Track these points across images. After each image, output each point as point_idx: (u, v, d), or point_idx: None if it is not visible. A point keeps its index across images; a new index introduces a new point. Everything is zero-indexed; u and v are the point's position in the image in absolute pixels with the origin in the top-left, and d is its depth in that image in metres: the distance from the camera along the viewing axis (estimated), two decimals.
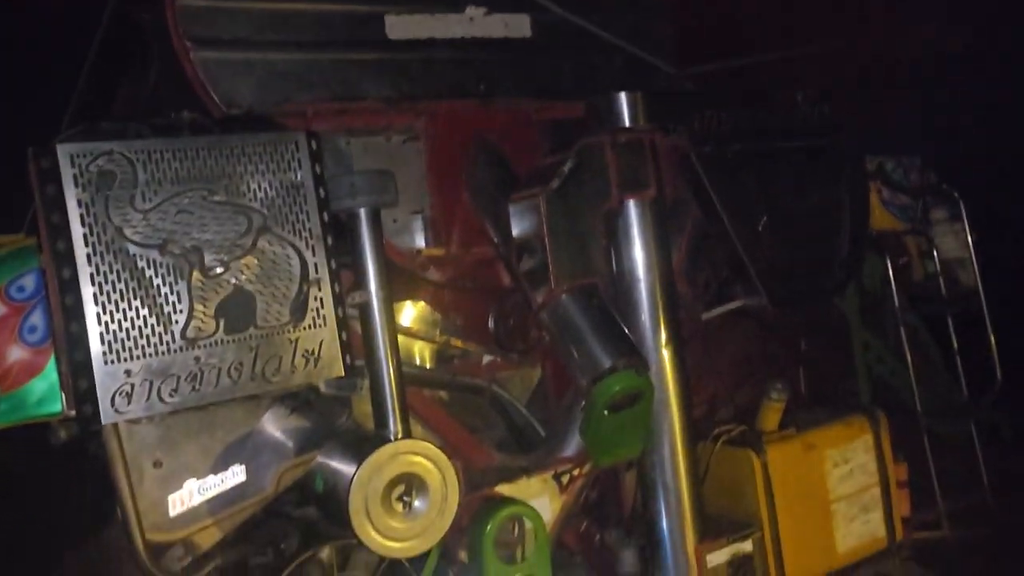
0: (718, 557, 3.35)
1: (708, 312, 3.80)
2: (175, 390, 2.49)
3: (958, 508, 4.16)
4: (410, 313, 3.51)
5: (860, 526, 3.77)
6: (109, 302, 2.41)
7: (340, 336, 2.77)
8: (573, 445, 3.34)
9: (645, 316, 3.37)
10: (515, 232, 3.41)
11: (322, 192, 2.79)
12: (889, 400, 4.20)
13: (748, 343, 4.20)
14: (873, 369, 4.33)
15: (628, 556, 3.59)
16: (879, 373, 4.35)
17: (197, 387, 2.53)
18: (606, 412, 3.13)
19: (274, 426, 2.99)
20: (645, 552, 3.57)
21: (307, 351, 2.71)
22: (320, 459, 2.91)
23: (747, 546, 3.42)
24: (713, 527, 3.42)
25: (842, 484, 3.73)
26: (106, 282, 2.41)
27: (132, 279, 2.45)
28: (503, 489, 3.19)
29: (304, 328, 2.74)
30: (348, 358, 2.80)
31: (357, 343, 2.88)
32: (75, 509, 3.62)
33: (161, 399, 2.48)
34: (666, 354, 3.36)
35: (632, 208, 3.34)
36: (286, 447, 2.99)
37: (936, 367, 4.52)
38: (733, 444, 3.60)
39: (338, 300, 2.78)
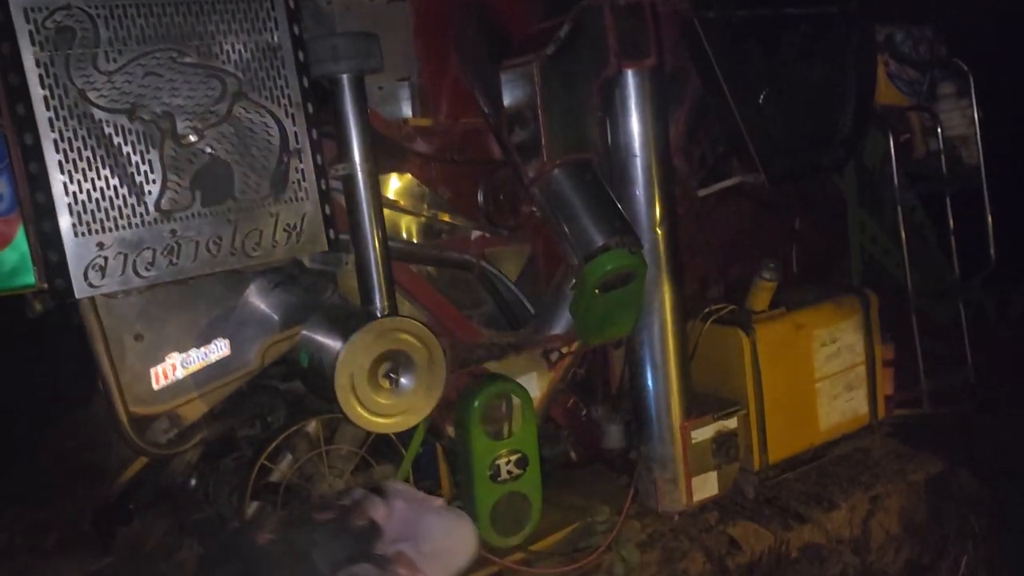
0: (703, 433, 3.39)
1: (704, 189, 3.70)
2: (151, 264, 2.40)
3: (941, 387, 4.21)
4: (396, 186, 3.39)
5: (843, 404, 3.82)
6: (76, 171, 2.27)
7: (323, 209, 2.66)
8: (562, 323, 3.31)
9: (640, 193, 3.27)
10: (506, 102, 3.25)
11: (301, 56, 2.61)
12: (880, 280, 4.17)
13: (742, 221, 4.12)
14: (866, 249, 4.27)
15: (614, 431, 3.64)
16: (872, 253, 4.29)
17: (174, 261, 2.43)
18: (597, 291, 3.08)
19: (258, 300, 2.93)
20: (631, 428, 3.62)
21: (289, 225, 2.61)
22: (305, 334, 2.86)
23: (732, 423, 3.46)
24: (699, 404, 3.45)
25: (828, 363, 3.75)
26: (71, 149, 2.27)
27: (100, 146, 2.31)
28: (491, 366, 3.18)
29: (285, 201, 2.62)
30: (332, 232, 2.70)
31: (341, 217, 2.78)
32: (60, 381, 3.61)
33: (137, 273, 2.38)
34: (660, 232, 3.29)
35: (630, 78, 3.17)
36: (270, 321, 2.95)
37: (930, 247, 4.47)
38: (723, 323, 3.58)
39: (320, 172, 2.65)
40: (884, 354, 3.94)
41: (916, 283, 4.20)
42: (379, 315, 2.73)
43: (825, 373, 3.74)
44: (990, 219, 4.30)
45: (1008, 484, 3.89)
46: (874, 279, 4.12)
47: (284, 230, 2.60)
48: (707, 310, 3.61)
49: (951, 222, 4.42)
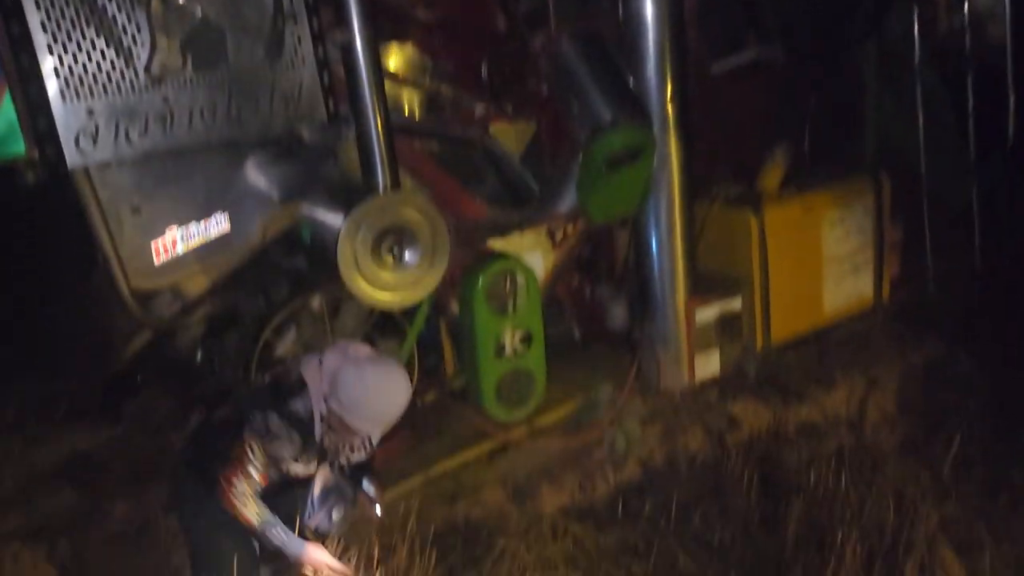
0: (707, 313, 3.39)
1: (718, 64, 3.55)
2: (144, 132, 2.32)
3: (947, 271, 4.18)
4: (397, 57, 3.25)
5: (849, 286, 3.79)
6: (60, 31, 2.16)
7: (321, 78, 2.56)
8: (567, 201, 3.24)
9: (651, 67, 3.14)
10: None
11: None
12: (894, 161, 4.06)
13: (756, 100, 3.97)
14: (883, 129, 4.13)
15: (618, 311, 3.64)
16: (888, 134, 4.15)
17: (168, 130, 2.36)
18: (604, 168, 3.00)
19: (256, 174, 2.85)
20: (634, 307, 3.61)
21: (286, 93, 2.51)
22: (306, 209, 2.81)
23: (736, 304, 3.45)
24: (704, 285, 3.43)
25: (837, 245, 3.70)
26: (54, 7, 2.15)
27: (83, 5, 2.18)
28: (495, 243, 3.14)
29: (281, 68, 2.51)
30: (331, 103, 2.61)
31: (341, 89, 2.67)
32: (59, 256, 3.58)
33: (130, 142, 2.31)
34: (671, 109, 3.17)
35: None
36: (270, 196, 2.87)
37: (947, 128, 4.33)
38: (731, 204, 3.51)
39: (318, 38, 2.53)
40: (892, 237, 3.89)
41: (930, 165, 4.09)
42: (381, 189, 2.67)
43: (832, 255, 3.70)
44: (1013, 100, 4.14)
45: (1005, 368, 3.92)
46: (888, 161, 4.00)
47: (281, 99, 2.51)
48: (715, 190, 3.53)
49: (971, 103, 4.26)
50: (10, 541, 2.74)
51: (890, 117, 4.14)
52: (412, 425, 3.24)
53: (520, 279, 3.01)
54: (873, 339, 4.01)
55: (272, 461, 2.24)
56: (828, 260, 3.70)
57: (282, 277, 3.09)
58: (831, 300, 3.76)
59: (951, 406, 3.72)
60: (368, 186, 2.70)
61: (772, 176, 3.54)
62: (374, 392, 2.19)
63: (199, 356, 3.23)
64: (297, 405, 2.25)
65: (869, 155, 3.93)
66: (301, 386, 2.27)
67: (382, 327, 3.13)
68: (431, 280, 2.70)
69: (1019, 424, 3.49)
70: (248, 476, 2.20)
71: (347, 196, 2.70)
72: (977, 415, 3.62)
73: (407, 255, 2.66)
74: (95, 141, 2.26)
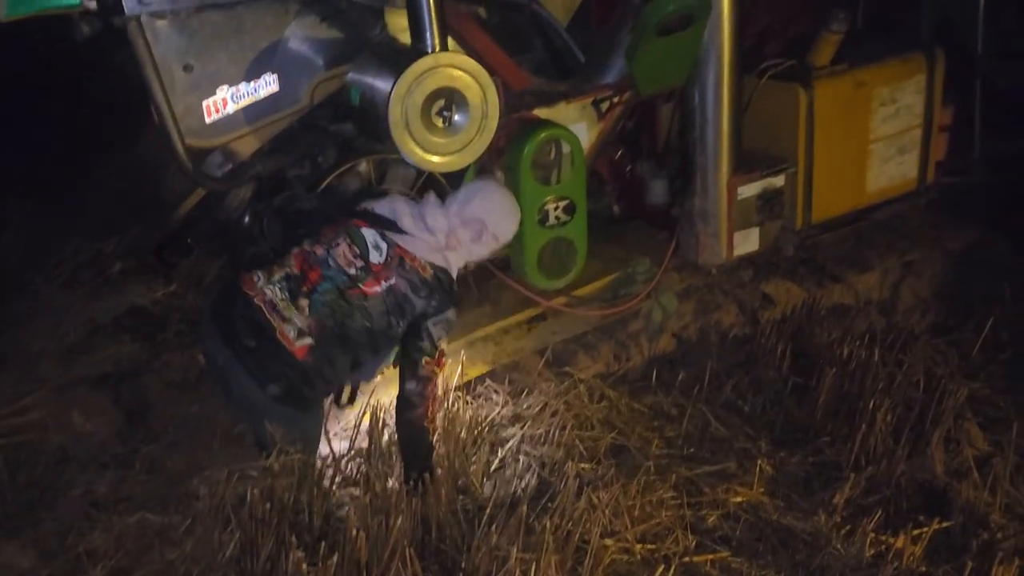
0: (749, 190, 3.39)
1: None
2: None
3: (994, 155, 4.10)
4: None
5: (894, 167, 3.75)
6: None
7: None
8: (615, 71, 3.20)
9: None
10: None
11: None
12: (950, 37, 3.92)
13: None
14: (940, 4, 3.96)
15: (658, 187, 3.64)
16: (946, 7, 3.99)
17: None
18: (656, 34, 2.94)
19: (304, 34, 2.85)
20: (675, 183, 3.61)
21: None
22: (355, 72, 2.80)
23: (779, 181, 3.44)
24: (747, 161, 3.41)
25: (885, 124, 3.64)
26: None
27: None
28: (541, 113, 3.12)
29: None
30: None
31: None
32: (107, 120, 3.61)
33: None
34: None
35: None
36: (318, 58, 2.88)
37: (1009, 5, 4.15)
38: (780, 78, 3.44)
39: None
40: (942, 119, 3.81)
41: (987, 43, 3.95)
42: (431, 51, 2.65)
43: (880, 134, 3.65)
44: None
45: None
46: (945, 36, 3.86)
47: None
48: (764, 64, 3.46)
49: None
50: (77, 388, 2.89)
51: None
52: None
53: (566, 148, 3.01)
54: (912, 223, 4.00)
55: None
56: (875, 139, 3.65)
57: (329, 141, 3.12)
58: (874, 181, 3.73)
59: (985, 292, 3.75)
60: (417, 48, 2.68)
61: (824, 51, 3.44)
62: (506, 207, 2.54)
63: (247, 219, 3.31)
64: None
65: (924, 32, 3.79)
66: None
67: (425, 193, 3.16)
68: (480, 144, 2.71)
69: None
70: None
71: (396, 58, 2.68)
72: (1010, 301, 3.65)
73: (457, 118, 2.66)
74: None
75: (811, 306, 3.60)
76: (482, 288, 3.36)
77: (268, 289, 2.35)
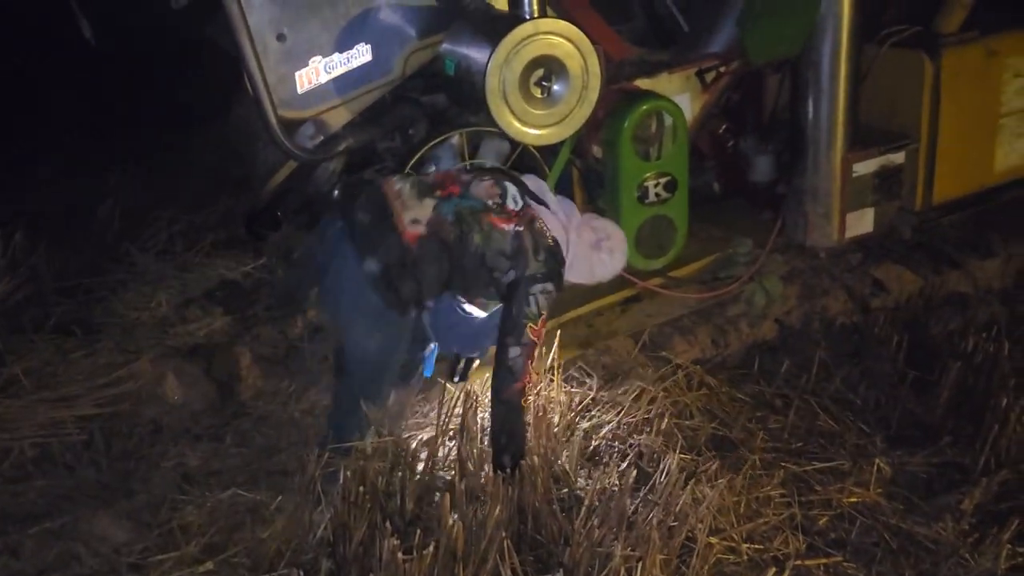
0: (866, 167, 3.15)
1: None
2: None
3: None
4: None
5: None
6: None
7: None
8: (721, 40, 3.01)
9: None
10: None
11: None
12: None
13: None
14: None
15: (763, 163, 3.43)
16: None
17: None
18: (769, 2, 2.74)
19: (397, 3, 2.74)
20: (781, 159, 3.40)
21: None
22: (449, 41, 2.69)
23: (899, 158, 3.19)
24: (864, 135, 3.17)
25: (1018, 97, 3.34)
26: None
27: None
28: (642, 84, 2.96)
29: None
30: None
31: None
32: (199, 91, 3.62)
33: None
34: None
35: None
36: (411, 28, 2.78)
37: None
38: (903, 46, 3.18)
39: None
40: None
41: None
42: (529, 19, 2.52)
43: (1012, 108, 3.36)
44: None
45: None
46: None
47: None
48: (886, 31, 3.20)
49: None
50: (172, 357, 2.90)
51: None
52: None
53: (668, 121, 2.85)
54: None
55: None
56: (1007, 113, 3.35)
57: (420, 114, 3.03)
58: (1004, 159, 3.44)
59: None
60: (514, 15, 2.56)
61: (953, 16, 3.17)
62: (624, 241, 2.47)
63: (336, 193, 3.26)
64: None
65: None
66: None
67: (519, 167, 3.04)
68: (580, 115, 2.57)
69: None
70: None
71: (493, 25, 2.56)
72: None
73: (557, 87, 2.53)
74: None
75: (928, 294, 3.35)
76: None
77: (400, 184, 2.36)
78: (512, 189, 2.38)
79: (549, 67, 2.52)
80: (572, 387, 2.79)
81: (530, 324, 2.28)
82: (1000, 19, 3.32)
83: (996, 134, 3.38)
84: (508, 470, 2.27)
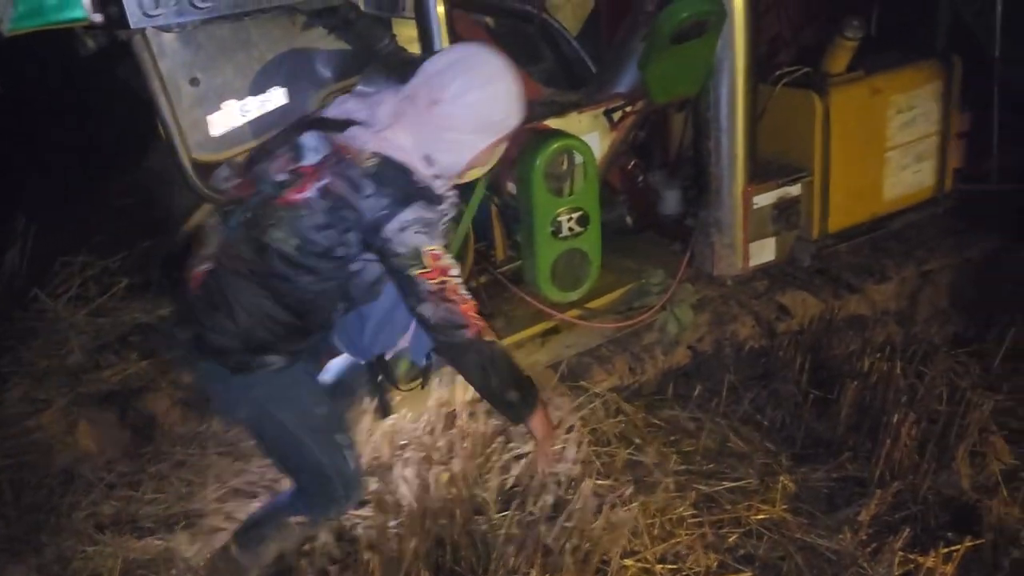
0: (765, 199, 3.33)
1: None
2: None
3: (1012, 162, 4.04)
4: None
5: (911, 175, 3.69)
6: None
7: None
8: (626, 80, 3.15)
9: None
10: None
11: None
12: (966, 44, 3.87)
13: None
14: (956, 9, 3.91)
15: (671, 197, 3.59)
16: (962, 13, 3.94)
17: None
18: (670, 42, 2.89)
19: (312, 47, 2.81)
20: (688, 193, 3.56)
21: None
22: (363, 84, 2.76)
23: (795, 190, 3.38)
24: (763, 169, 3.36)
25: (902, 131, 3.58)
26: None
27: None
28: (552, 123, 3.07)
29: None
30: None
31: None
32: (118, 129, 3.58)
33: (193, 4, 2.26)
34: None
35: None
36: (326, 70, 2.84)
37: None
38: (795, 86, 3.38)
39: None
40: (959, 125, 3.75)
41: (1005, 48, 3.90)
42: None
43: (897, 142, 3.59)
44: None
45: None
46: (960, 42, 3.81)
47: None
48: (778, 72, 3.41)
49: None
50: (85, 405, 2.85)
51: None
52: None
53: (578, 158, 2.96)
54: (930, 232, 3.93)
55: None
56: (892, 147, 3.59)
57: None
58: (892, 189, 3.67)
59: (1005, 301, 3.67)
60: (426, 59, 2.64)
61: (840, 56, 3.39)
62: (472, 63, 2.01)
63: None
64: None
65: (940, 38, 3.74)
66: None
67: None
68: (491, 157, 2.65)
69: None
70: None
71: (404, 70, 2.63)
72: None
73: None
74: (158, 2, 2.21)
75: (829, 318, 3.54)
76: (494, 302, 3.31)
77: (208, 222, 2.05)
78: (311, 140, 1.94)
79: None
80: (492, 419, 2.84)
81: (417, 270, 1.86)
82: (883, 59, 3.57)
83: (884, 166, 3.60)
84: (528, 408, 2.06)
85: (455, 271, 1.92)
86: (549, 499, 2.38)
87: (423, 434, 2.68)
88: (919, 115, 3.59)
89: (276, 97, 2.78)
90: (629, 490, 2.48)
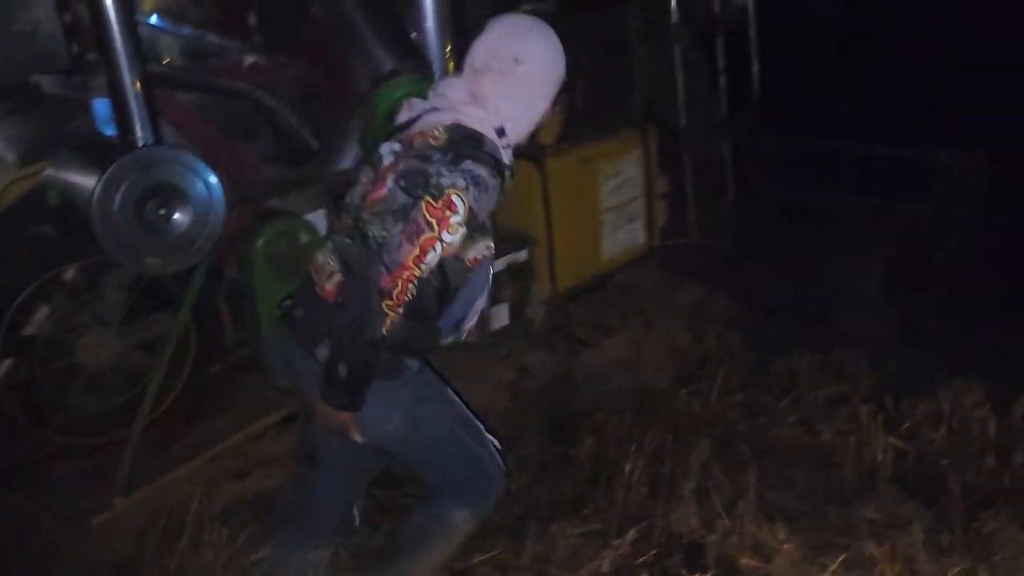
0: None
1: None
2: None
3: (707, 219, 4.52)
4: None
5: (624, 235, 4.01)
6: None
7: (61, 17, 2.26)
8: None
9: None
10: None
11: None
12: (658, 116, 4.30)
13: None
14: (647, 85, 4.35)
15: None
16: (652, 89, 4.39)
17: None
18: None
19: None
20: None
21: (18, 33, 2.19)
22: (51, 170, 2.50)
23: (523, 255, 3.53)
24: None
25: (612, 196, 3.89)
26: None
27: None
28: (275, 203, 2.96)
29: (12, 5, 2.19)
30: (74, 46, 2.31)
31: (89, 34, 2.38)
32: None
33: None
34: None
35: None
36: (8, 155, 2.54)
37: (702, 87, 4.65)
38: (515, 156, 3.55)
39: None
40: (659, 188, 4.14)
41: (689, 120, 4.39)
42: (141, 145, 2.42)
43: (609, 205, 3.89)
44: (756, 60, 4.53)
45: (752, 304, 4.30)
46: (654, 115, 4.24)
47: (11, 39, 2.18)
48: None
49: (721, 62, 4.61)
50: None
51: (652, 74, 4.37)
52: (195, 399, 3.04)
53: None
54: (646, 285, 4.27)
55: None
56: (606, 209, 3.88)
57: (28, 247, 2.73)
58: (610, 248, 3.96)
59: (715, 342, 4.05)
60: (125, 142, 2.44)
61: (550, 127, 3.62)
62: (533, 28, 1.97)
63: None
64: None
65: (636, 110, 4.13)
66: None
67: (150, 297, 2.87)
68: (205, 243, 2.50)
69: (771, 353, 3.87)
70: None
71: (101, 154, 2.42)
72: (737, 348, 3.97)
73: (177, 215, 2.44)
74: None
75: (567, 373, 3.69)
76: (225, 392, 3.09)
77: (320, 255, 1.98)
78: (384, 147, 1.95)
79: (167, 195, 2.43)
80: (232, 527, 2.61)
81: (427, 198, 1.75)
82: (589, 130, 3.86)
83: (600, 227, 3.89)
84: (343, 399, 1.84)
85: (451, 238, 1.78)
86: None
87: None
88: (625, 180, 3.93)
89: None
90: None
